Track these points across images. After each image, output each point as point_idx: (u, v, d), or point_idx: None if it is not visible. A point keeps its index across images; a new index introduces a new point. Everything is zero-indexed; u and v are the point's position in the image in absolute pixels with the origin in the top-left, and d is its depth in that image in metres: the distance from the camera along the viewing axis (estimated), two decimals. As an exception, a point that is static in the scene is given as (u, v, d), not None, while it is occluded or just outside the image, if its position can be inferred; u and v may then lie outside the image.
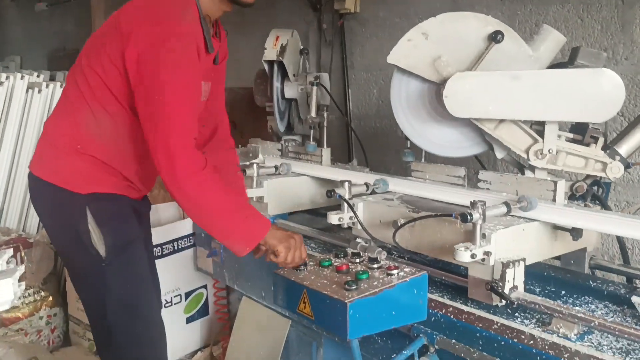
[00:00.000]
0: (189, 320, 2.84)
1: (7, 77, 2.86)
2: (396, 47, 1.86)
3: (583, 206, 1.81)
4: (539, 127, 1.78)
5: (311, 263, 1.52)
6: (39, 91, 2.98)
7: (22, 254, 2.72)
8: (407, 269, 1.45)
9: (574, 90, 1.67)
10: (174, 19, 1.56)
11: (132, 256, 1.73)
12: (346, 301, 1.27)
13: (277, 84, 2.54)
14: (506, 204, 1.60)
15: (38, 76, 3.34)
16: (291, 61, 2.56)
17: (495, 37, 1.75)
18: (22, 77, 2.90)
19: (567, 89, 1.67)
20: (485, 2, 2.66)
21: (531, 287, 1.83)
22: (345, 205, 1.86)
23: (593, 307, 1.69)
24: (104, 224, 1.65)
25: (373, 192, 2.00)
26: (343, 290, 1.32)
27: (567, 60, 1.83)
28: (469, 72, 1.74)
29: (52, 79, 6.18)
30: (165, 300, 2.68)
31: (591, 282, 1.81)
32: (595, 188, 1.87)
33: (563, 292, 1.79)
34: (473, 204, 1.49)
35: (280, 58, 2.44)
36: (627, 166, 1.81)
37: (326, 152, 2.48)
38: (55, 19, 7.30)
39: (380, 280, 1.38)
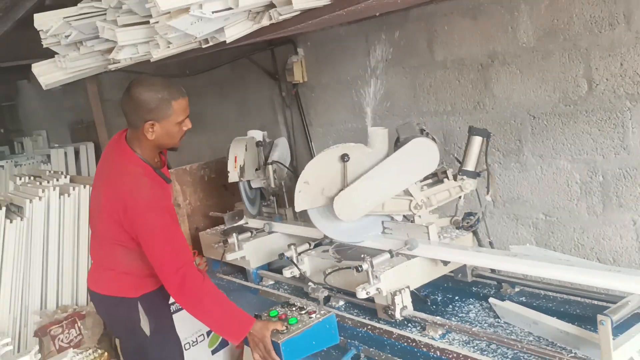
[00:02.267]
0: (214, 352, 3.61)
1: (44, 190, 3.72)
2: (296, 200, 2.52)
3: (462, 232, 2.53)
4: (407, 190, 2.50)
5: (264, 314, 2.29)
6: (68, 195, 3.82)
7: (79, 324, 3.56)
8: (322, 312, 2.21)
9: (405, 164, 2.39)
10: (145, 197, 2.27)
11: (167, 333, 2.62)
12: (279, 341, 2.05)
13: (242, 184, 3.26)
14: (390, 251, 2.34)
15: (64, 175, 4.19)
16: (251, 164, 3.24)
17: (343, 159, 2.44)
18: (54, 188, 3.75)
19: (400, 165, 2.39)
20: (393, 70, 3.36)
21: (436, 296, 2.56)
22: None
23: (472, 307, 2.41)
24: (149, 313, 2.52)
25: (315, 246, 2.75)
26: (279, 334, 2.10)
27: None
28: (342, 191, 2.44)
29: (77, 152, 7.08)
30: (192, 341, 3.48)
31: (473, 288, 2.54)
32: (472, 218, 2.59)
33: (456, 298, 2.52)
34: (363, 259, 2.24)
35: (242, 179, 3.16)
36: (477, 176, 2.49)
37: (289, 212, 3.23)
38: (68, 95, 8.18)
39: (303, 322, 2.14)
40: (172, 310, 2.98)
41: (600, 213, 2.59)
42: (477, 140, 2.44)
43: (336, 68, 3.77)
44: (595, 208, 2.60)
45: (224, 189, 4.18)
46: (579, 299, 2.22)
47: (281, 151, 3.45)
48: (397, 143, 2.46)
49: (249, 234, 3.17)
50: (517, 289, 2.43)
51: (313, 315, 2.18)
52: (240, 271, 3.30)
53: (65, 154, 6.69)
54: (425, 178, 2.50)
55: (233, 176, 3.17)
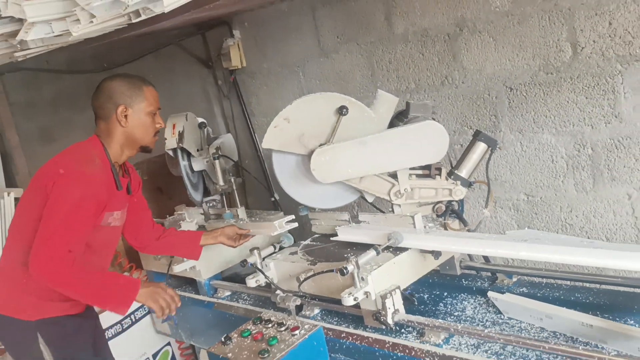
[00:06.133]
0: (160, 376, 3.20)
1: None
2: (267, 134, 2.23)
3: (444, 223, 2.25)
4: (394, 172, 2.20)
5: (235, 335, 1.91)
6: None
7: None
8: (307, 326, 1.86)
9: (409, 143, 2.10)
10: (84, 167, 2.07)
11: None
12: (263, 367, 1.68)
13: (183, 163, 2.87)
14: (375, 248, 2.01)
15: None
16: (192, 140, 2.89)
17: (341, 111, 2.15)
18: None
19: (404, 143, 2.10)
20: (346, 47, 3.05)
21: (421, 294, 2.27)
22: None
23: (466, 303, 2.13)
24: (52, 344, 2.09)
25: (280, 249, 2.39)
26: (259, 358, 1.72)
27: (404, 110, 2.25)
28: (326, 146, 2.14)
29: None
30: (135, 365, 3.04)
31: (463, 282, 2.27)
32: (455, 204, 2.31)
33: (445, 294, 2.23)
34: (347, 259, 1.90)
35: (181, 144, 2.77)
36: (469, 185, 2.25)
37: (242, 211, 2.85)
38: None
39: (286, 342, 1.78)
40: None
41: (591, 189, 2.38)
42: (481, 148, 2.18)
43: (279, 50, 3.42)
44: (585, 184, 2.39)
45: (160, 192, 3.75)
46: (588, 285, 1.99)
47: (227, 148, 3.06)
48: (401, 118, 2.15)
49: (198, 240, 2.76)
50: (514, 279, 2.17)
51: (297, 332, 1.82)
52: (190, 283, 2.89)
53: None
54: (417, 168, 2.20)
55: (170, 143, 2.82)
